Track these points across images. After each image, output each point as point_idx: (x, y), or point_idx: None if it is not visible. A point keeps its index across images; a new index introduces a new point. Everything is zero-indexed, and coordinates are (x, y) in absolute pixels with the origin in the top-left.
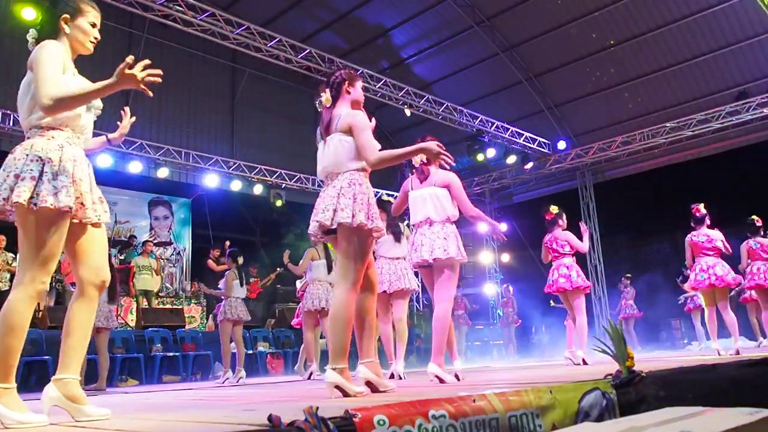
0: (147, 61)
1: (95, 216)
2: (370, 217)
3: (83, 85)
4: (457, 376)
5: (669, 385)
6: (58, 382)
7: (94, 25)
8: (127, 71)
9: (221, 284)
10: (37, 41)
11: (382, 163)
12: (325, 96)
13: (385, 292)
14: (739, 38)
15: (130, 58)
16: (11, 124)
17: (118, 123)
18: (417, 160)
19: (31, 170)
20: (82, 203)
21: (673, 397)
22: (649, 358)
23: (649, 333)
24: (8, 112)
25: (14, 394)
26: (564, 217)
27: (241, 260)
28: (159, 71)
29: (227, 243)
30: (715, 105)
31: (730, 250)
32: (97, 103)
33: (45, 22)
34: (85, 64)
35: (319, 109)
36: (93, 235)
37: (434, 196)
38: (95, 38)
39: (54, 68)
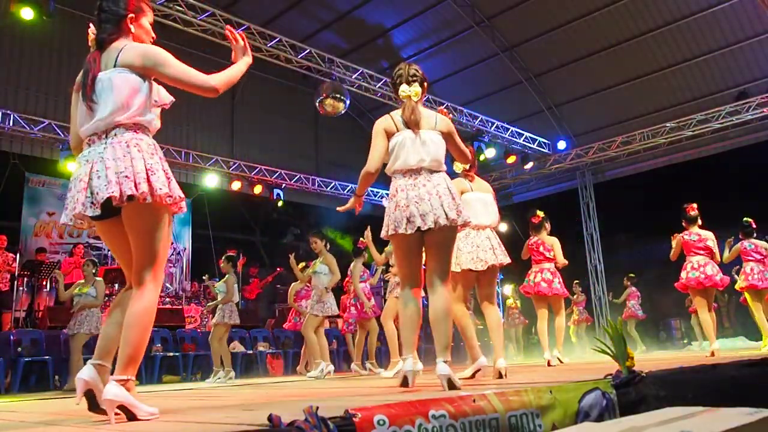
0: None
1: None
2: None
3: (235, 68)
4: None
5: (669, 385)
6: (99, 366)
7: (151, 24)
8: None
9: (220, 287)
10: (102, 43)
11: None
12: (414, 89)
13: None
14: (739, 38)
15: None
16: (11, 124)
17: None
18: (458, 167)
19: (152, 164)
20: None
21: (673, 397)
22: (649, 358)
23: (649, 333)
24: (8, 112)
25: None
26: (548, 222)
27: (239, 266)
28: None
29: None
30: (715, 105)
31: (717, 257)
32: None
33: (107, 20)
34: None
35: (318, 110)
36: None
37: (488, 202)
38: (153, 38)
39: (181, 63)
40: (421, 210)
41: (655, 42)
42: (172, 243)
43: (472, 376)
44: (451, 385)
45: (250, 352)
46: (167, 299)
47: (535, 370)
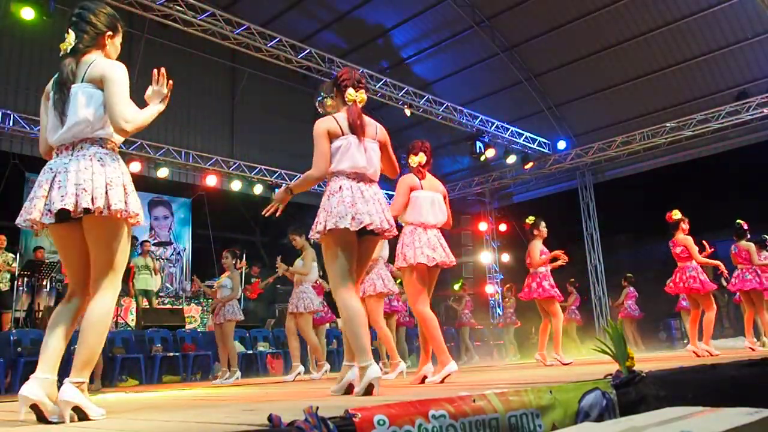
0: (170, 83)
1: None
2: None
3: (148, 112)
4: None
5: (669, 385)
6: (45, 381)
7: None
8: (167, 94)
9: (225, 283)
10: (76, 52)
11: (314, 181)
12: (360, 96)
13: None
14: (739, 38)
15: (163, 83)
16: (11, 124)
17: None
18: (416, 160)
19: (113, 179)
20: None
21: (673, 397)
22: (649, 358)
23: (649, 333)
24: (8, 112)
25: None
26: (540, 227)
27: (241, 262)
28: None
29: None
30: (715, 105)
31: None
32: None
33: (92, 37)
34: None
35: (320, 110)
36: None
37: (438, 201)
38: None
39: (128, 91)
40: (367, 209)
41: (655, 42)
42: (172, 243)
43: (442, 381)
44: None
45: (250, 352)
46: (167, 299)
47: (526, 369)
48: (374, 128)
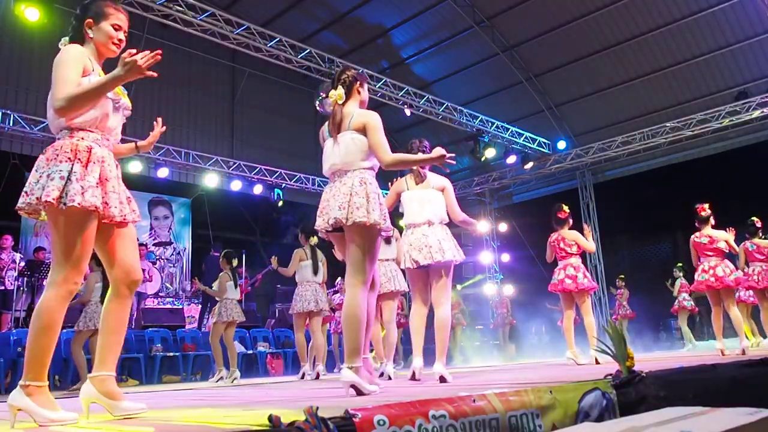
0: (146, 52)
1: (120, 215)
2: (383, 217)
3: (91, 81)
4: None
5: (669, 385)
6: (94, 379)
7: (118, 28)
8: (128, 59)
9: (215, 286)
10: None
11: (396, 164)
12: (338, 93)
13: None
14: (739, 38)
15: (127, 53)
16: (11, 124)
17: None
18: None
19: (60, 170)
20: (106, 203)
21: (673, 397)
22: (649, 358)
23: (649, 333)
24: (8, 112)
25: (46, 392)
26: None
27: (235, 262)
28: (159, 51)
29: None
30: (715, 105)
31: (736, 250)
32: (126, 104)
33: (73, 29)
34: None
35: (319, 109)
36: (122, 234)
37: (432, 199)
38: (119, 40)
39: (69, 70)
40: (329, 208)
41: (655, 42)
42: (172, 243)
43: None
44: (359, 392)
45: (250, 352)
46: (167, 299)
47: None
48: (348, 119)
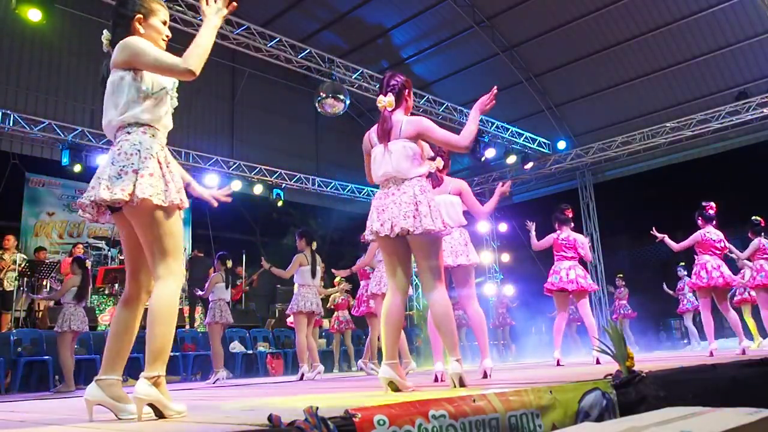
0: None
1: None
2: (444, 224)
3: (200, 37)
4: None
5: (669, 385)
6: (102, 382)
7: (165, 23)
8: (219, 5)
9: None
10: (112, 43)
11: (471, 141)
12: (388, 100)
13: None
14: (739, 38)
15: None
16: (11, 124)
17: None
18: (433, 165)
19: (148, 167)
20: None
21: (673, 397)
22: (649, 358)
23: (648, 333)
24: (8, 112)
25: (165, 383)
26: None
27: (230, 263)
28: None
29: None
30: (715, 105)
31: (733, 251)
32: (173, 102)
33: (120, 24)
34: (86, 64)
35: (319, 109)
36: None
37: (449, 203)
38: (167, 36)
39: (156, 49)
40: (381, 218)
41: (655, 42)
42: None
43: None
44: (461, 383)
45: (250, 352)
46: None
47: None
48: (399, 127)
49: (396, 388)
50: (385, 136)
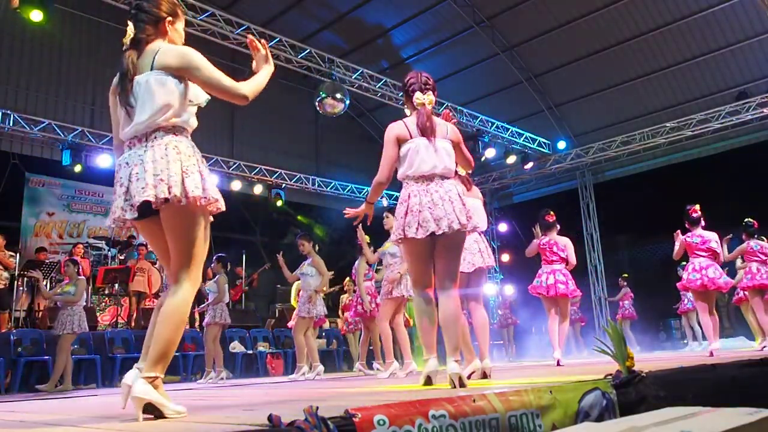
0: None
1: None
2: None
3: (261, 76)
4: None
5: (669, 385)
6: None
7: (184, 28)
8: (267, 55)
9: (211, 287)
10: (139, 42)
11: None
12: (429, 98)
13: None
14: (739, 38)
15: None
16: (11, 124)
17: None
18: (462, 171)
19: (193, 170)
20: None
21: (673, 397)
22: (649, 358)
23: (648, 333)
24: (8, 112)
25: (163, 386)
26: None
27: (228, 267)
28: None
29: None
30: (715, 105)
31: (722, 257)
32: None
33: (145, 21)
34: (86, 64)
35: (319, 109)
36: None
37: (478, 207)
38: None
39: (212, 67)
40: (435, 214)
41: (655, 42)
42: None
43: (468, 377)
44: (461, 384)
45: (250, 352)
46: None
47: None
48: (445, 128)
49: (462, 383)
50: (430, 132)
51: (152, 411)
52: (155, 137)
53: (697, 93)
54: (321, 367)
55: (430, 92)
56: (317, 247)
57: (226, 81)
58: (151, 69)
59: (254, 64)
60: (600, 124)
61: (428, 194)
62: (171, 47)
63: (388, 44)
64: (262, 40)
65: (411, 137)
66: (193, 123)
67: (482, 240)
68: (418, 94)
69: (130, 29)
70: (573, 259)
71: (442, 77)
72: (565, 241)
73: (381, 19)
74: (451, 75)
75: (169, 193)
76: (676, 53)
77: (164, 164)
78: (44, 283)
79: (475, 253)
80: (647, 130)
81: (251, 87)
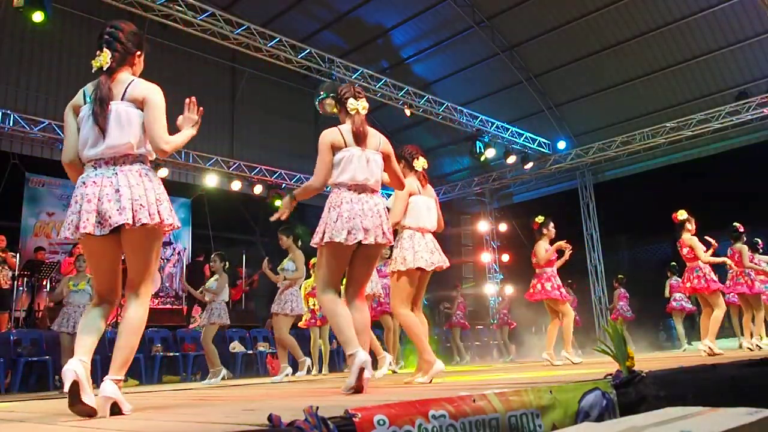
0: (201, 109)
1: None
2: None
3: (182, 136)
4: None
5: (669, 385)
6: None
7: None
8: (196, 118)
9: (211, 285)
10: (112, 71)
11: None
12: (362, 104)
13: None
14: (739, 38)
15: (196, 111)
16: (11, 124)
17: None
18: (420, 165)
19: (160, 194)
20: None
21: (673, 397)
22: (649, 358)
23: (648, 333)
24: (8, 112)
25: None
26: (548, 226)
27: (227, 264)
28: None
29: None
30: (715, 105)
31: (704, 258)
32: None
33: (123, 55)
34: (86, 64)
35: (318, 109)
36: None
37: (431, 207)
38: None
39: (164, 115)
40: (365, 225)
41: (655, 42)
42: (172, 243)
43: (429, 381)
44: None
45: (250, 352)
46: (167, 299)
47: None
48: (377, 139)
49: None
50: (363, 138)
51: (113, 408)
52: (124, 162)
53: (697, 93)
54: (308, 360)
55: (363, 99)
56: (299, 243)
57: (161, 129)
58: (123, 98)
59: (179, 119)
60: (600, 124)
61: (360, 203)
62: (143, 82)
63: (388, 44)
64: (200, 108)
65: (345, 145)
66: (152, 155)
67: (434, 242)
68: (351, 101)
69: (106, 57)
70: (539, 258)
71: (442, 77)
72: (536, 245)
73: (381, 19)
74: (451, 75)
75: (151, 219)
76: (676, 53)
77: (141, 191)
78: (44, 282)
79: (434, 252)
80: (647, 130)
81: (173, 144)
